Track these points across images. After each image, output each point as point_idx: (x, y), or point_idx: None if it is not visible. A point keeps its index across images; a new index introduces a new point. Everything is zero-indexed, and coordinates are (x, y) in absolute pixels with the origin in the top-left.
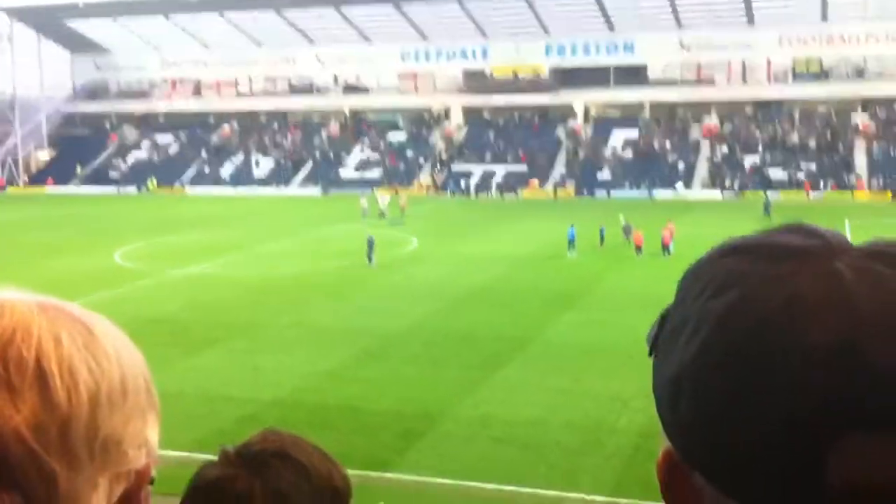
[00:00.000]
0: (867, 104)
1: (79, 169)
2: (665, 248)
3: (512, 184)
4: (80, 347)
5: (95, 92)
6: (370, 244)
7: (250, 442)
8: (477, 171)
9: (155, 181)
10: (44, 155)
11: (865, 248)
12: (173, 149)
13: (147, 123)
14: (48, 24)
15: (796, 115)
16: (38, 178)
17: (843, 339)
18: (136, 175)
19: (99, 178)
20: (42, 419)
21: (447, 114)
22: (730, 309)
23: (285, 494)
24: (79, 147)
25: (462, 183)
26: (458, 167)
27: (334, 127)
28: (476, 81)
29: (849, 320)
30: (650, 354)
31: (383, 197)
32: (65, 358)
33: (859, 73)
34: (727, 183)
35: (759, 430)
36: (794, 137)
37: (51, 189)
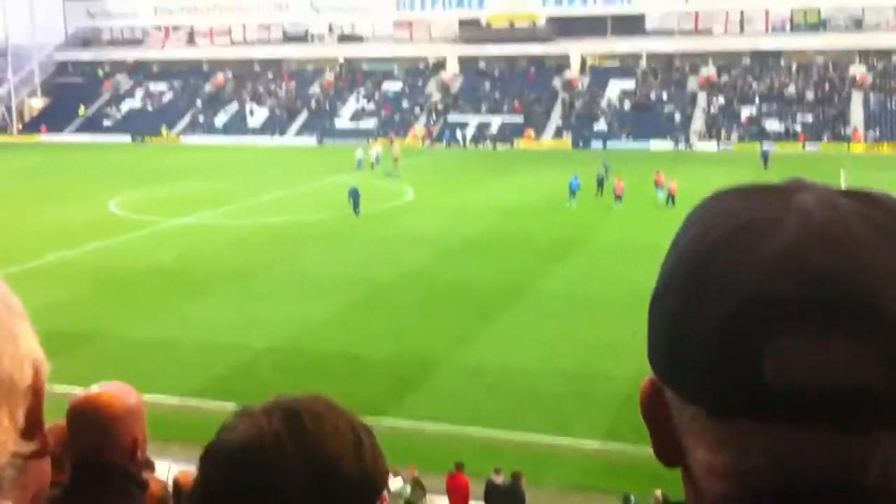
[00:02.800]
0: (864, 55)
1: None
2: (671, 197)
3: (507, 134)
4: None
5: (88, 39)
6: (353, 195)
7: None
8: (472, 121)
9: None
10: (37, 103)
11: (835, 187)
12: (167, 97)
13: (141, 72)
14: None
15: (793, 67)
16: (31, 126)
17: (790, 246)
18: (130, 123)
19: (92, 126)
20: None
21: (443, 63)
22: (691, 239)
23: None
24: (72, 95)
25: (457, 133)
26: (453, 117)
27: (329, 76)
28: (472, 30)
29: (800, 232)
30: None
31: (376, 148)
32: None
33: (857, 24)
34: (723, 134)
35: (705, 332)
36: (791, 89)
37: (44, 137)
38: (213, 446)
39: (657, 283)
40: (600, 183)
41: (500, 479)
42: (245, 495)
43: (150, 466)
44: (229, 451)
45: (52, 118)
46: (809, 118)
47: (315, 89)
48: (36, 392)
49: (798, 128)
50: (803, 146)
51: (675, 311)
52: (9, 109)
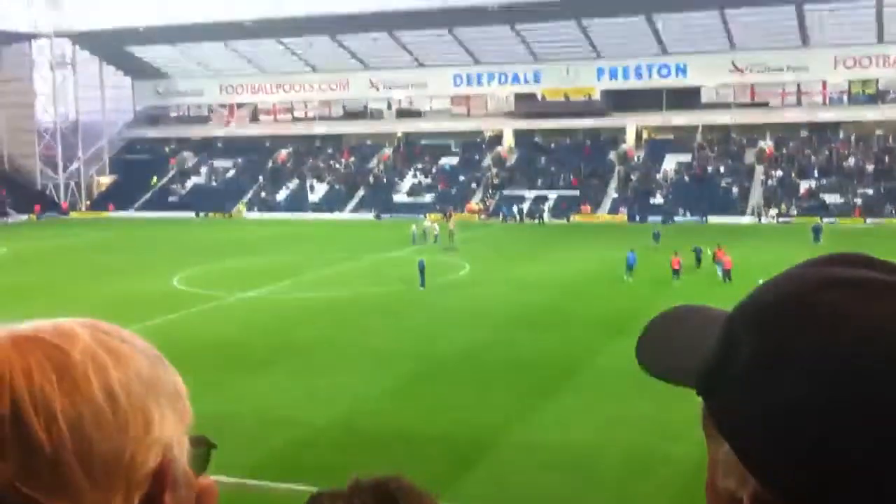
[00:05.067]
0: None
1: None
2: (727, 273)
3: (564, 208)
4: (50, 376)
5: (156, 117)
6: (421, 268)
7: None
8: (528, 195)
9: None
10: (105, 179)
11: None
12: (231, 174)
13: (206, 148)
14: (110, 50)
15: (852, 138)
16: (99, 203)
17: None
18: (194, 199)
19: (158, 203)
20: (30, 464)
21: (499, 138)
22: (853, 350)
23: None
24: (139, 172)
25: (514, 208)
26: (509, 191)
27: (387, 151)
28: (527, 104)
29: None
30: (711, 385)
31: (432, 223)
32: (37, 392)
33: None
34: (782, 208)
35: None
36: (850, 161)
37: (112, 214)
38: None
39: (791, 384)
40: (698, 258)
41: None
42: None
43: None
44: None
45: (119, 195)
46: (870, 191)
47: (373, 164)
48: (158, 480)
49: (858, 201)
50: (864, 220)
51: (860, 440)
52: (78, 186)
